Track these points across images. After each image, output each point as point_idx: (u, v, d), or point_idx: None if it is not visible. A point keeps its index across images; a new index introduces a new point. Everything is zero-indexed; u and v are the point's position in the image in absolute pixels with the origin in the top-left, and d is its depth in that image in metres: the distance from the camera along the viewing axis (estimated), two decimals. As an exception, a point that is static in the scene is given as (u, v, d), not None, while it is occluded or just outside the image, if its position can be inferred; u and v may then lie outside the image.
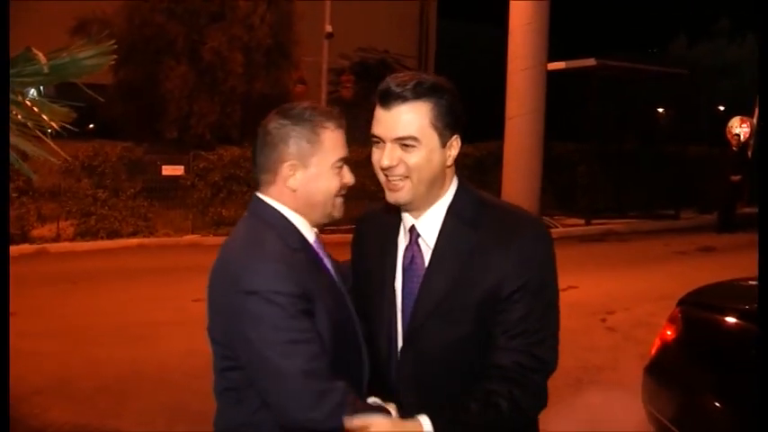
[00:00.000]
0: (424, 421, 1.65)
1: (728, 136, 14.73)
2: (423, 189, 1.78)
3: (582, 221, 14.10)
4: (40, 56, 2.13)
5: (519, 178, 13.02)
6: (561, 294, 1.83)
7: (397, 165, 1.75)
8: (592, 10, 27.49)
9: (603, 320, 7.04)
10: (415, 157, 1.75)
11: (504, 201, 1.98)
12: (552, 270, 1.82)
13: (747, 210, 15.38)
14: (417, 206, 1.83)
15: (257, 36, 14.43)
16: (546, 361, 1.78)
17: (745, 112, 16.26)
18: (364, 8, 19.00)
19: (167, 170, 12.03)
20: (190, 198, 12.30)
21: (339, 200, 1.89)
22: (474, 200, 1.85)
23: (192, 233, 12.18)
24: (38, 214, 10.93)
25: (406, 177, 1.76)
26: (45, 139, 2.10)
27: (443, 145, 1.77)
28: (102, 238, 11.29)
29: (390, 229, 1.92)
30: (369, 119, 1.85)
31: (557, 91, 13.70)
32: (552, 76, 13.42)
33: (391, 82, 1.74)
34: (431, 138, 1.75)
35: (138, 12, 14.31)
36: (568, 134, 15.41)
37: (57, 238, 11.00)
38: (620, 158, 15.52)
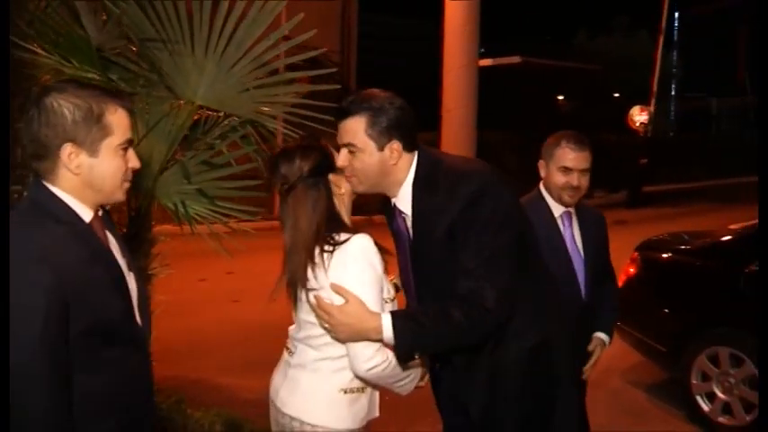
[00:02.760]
0: (385, 316, 1.94)
1: (632, 124, 16.66)
2: (371, 182, 2.10)
3: (511, 202, 15.39)
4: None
5: (456, 166, 14.23)
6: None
7: (347, 165, 2.08)
8: (506, 4, 29.23)
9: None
10: (357, 161, 2.06)
11: (457, 157, 2.30)
12: (496, 225, 2.01)
13: (651, 188, 17.44)
14: (378, 191, 2.17)
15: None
16: (486, 307, 1.97)
17: (642, 102, 18.34)
18: (291, 7, 19.92)
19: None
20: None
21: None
22: (429, 167, 2.12)
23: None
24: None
25: (354, 175, 2.09)
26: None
27: (380, 149, 2.06)
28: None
29: None
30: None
31: (484, 83, 14.95)
32: (480, 70, 14.67)
33: (343, 101, 2.09)
34: (367, 144, 2.05)
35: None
36: (496, 123, 16.83)
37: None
38: (538, 145, 16.86)
